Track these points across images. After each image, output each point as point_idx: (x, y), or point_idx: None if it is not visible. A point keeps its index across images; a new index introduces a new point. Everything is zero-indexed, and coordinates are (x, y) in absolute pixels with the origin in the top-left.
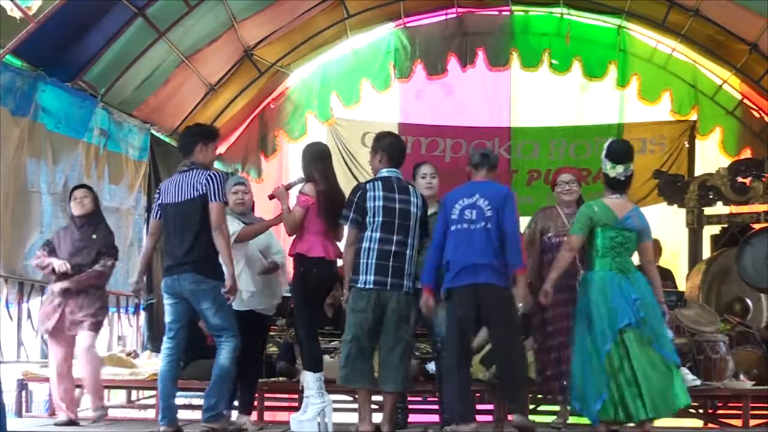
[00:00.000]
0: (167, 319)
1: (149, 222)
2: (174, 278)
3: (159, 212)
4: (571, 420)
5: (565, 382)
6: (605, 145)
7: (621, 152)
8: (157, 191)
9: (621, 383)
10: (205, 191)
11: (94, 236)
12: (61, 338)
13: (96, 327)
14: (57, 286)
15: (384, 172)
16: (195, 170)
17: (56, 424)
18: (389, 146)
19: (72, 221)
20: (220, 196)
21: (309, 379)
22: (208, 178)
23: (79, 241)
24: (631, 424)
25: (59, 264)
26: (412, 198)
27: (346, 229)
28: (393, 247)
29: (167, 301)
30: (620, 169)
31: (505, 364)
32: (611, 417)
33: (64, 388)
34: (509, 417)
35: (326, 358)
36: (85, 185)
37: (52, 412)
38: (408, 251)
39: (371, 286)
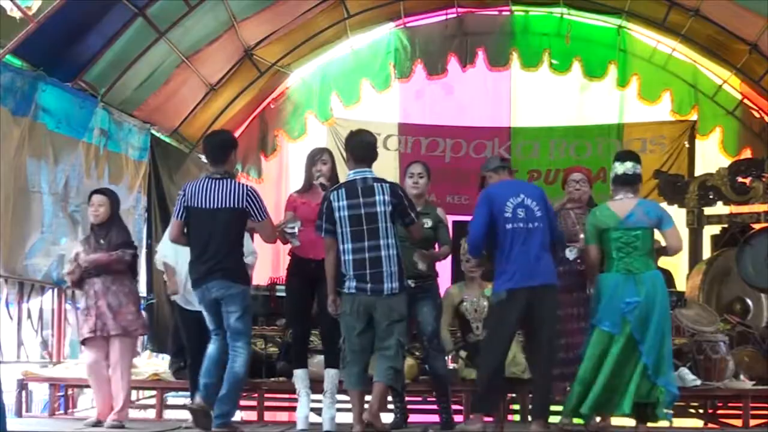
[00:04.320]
0: (210, 327)
1: (150, 221)
2: (203, 288)
3: (183, 214)
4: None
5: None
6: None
7: (626, 153)
8: (181, 192)
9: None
10: (247, 207)
11: (101, 241)
12: (93, 343)
13: (122, 331)
14: (83, 260)
15: (350, 175)
16: (229, 180)
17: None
18: (353, 147)
19: (90, 228)
20: (265, 213)
21: (336, 376)
22: (248, 197)
23: (97, 246)
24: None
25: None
26: (377, 197)
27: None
28: (366, 254)
29: (204, 312)
30: (629, 164)
31: (547, 362)
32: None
33: (103, 393)
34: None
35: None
36: (101, 190)
37: (52, 412)
38: (384, 252)
39: (353, 291)
